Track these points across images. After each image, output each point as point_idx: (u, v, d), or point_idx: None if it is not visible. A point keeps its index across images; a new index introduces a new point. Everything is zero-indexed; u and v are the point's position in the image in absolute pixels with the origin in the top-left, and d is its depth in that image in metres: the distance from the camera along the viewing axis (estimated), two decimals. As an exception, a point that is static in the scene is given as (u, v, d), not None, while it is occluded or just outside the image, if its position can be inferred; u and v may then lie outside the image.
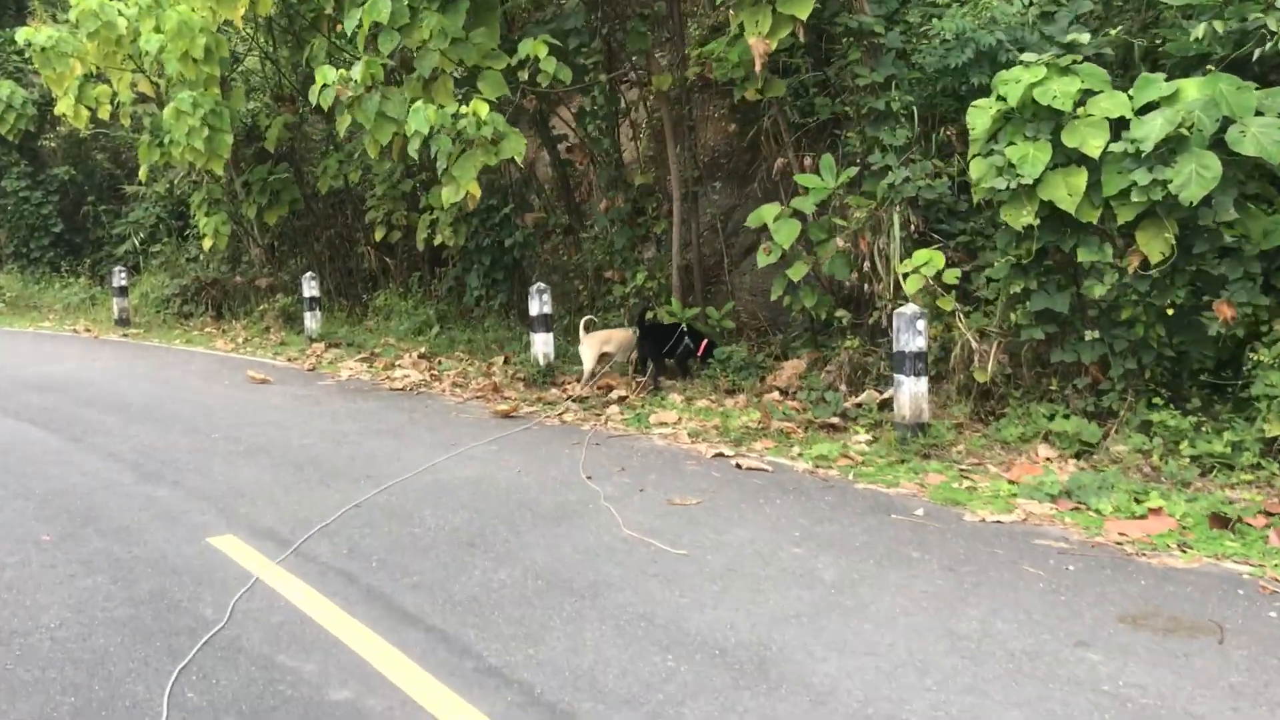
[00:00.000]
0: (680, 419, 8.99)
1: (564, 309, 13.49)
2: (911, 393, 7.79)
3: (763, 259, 9.81)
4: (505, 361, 12.31)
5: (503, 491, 6.77)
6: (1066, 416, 7.80)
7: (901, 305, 8.47)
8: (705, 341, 10.72)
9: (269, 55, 16.30)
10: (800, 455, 7.72)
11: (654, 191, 12.50)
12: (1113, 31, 8.87)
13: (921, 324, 7.76)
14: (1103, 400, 7.77)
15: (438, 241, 13.73)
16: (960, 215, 9.49)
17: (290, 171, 16.71)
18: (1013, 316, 8.02)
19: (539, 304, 11.07)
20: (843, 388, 9.46)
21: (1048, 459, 7.56)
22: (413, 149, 9.41)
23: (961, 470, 7.31)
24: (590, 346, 10.53)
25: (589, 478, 7.04)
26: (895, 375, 7.86)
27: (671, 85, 11.21)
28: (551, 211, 14.16)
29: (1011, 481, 6.84)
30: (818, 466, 7.39)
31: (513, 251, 14.07)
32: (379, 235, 15.35)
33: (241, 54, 16.88)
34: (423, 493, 6.78)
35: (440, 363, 12.38)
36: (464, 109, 9.30)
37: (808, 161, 10.25)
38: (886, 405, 8.77)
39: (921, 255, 8.39)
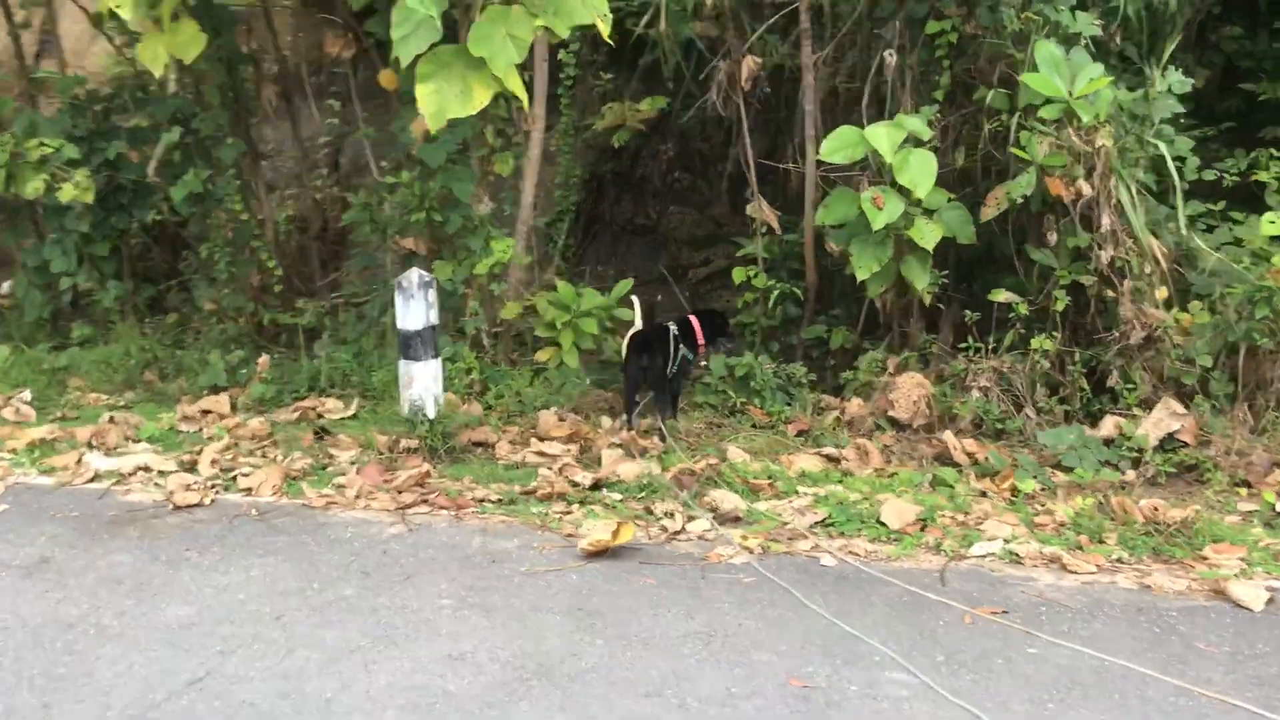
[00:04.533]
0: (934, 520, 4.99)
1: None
2: None
3: (875, 217, 5.98)
4: (238, 408, 6.91)
5: None
6: None
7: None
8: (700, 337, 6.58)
9: None
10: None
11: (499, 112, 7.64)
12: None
13: None
14: None
15: (67, 196, 7.37)
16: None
17: None
18: None
19: (422, 306, 5.99)
20: (1031, 414, 6.10)
21: None
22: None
23: None
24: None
25: None
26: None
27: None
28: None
29: None
30: None
31: (133, 208, 8.19)
32: None
33: None
34: None
35: (120, 424, 6.51)
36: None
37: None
38: (1172, 441, 5.66)
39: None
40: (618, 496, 5.33)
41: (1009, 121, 6.22)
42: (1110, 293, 6.01)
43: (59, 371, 7.74)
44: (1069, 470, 5.58)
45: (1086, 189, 5.66)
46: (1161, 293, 5.89)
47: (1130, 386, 5.94)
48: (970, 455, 5.78)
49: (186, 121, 8.26)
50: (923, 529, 4.86)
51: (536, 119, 7.35)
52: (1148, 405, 5.92)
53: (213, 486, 5.48)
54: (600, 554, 4.56)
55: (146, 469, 5.73)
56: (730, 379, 6.67)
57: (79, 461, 5.88)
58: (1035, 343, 6.06)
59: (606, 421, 6.42)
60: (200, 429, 6.58)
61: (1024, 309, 6.13)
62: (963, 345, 6.38)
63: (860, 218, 6.25)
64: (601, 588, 4.23)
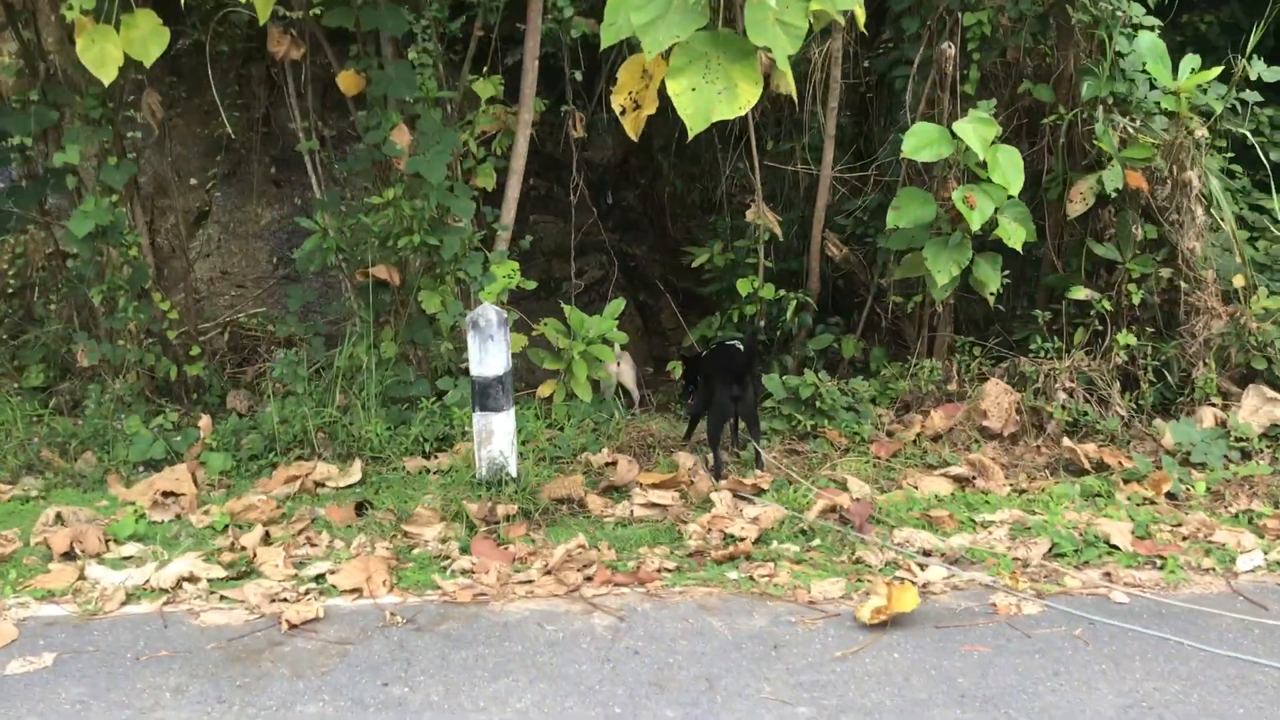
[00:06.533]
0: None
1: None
2: None
3: (972, 216, 5.65)
4: (199, 484, 5.67)
5: None
6: None
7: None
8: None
9: None
10: None
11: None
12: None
13: None
14: None
15: None
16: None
17: None
18: None
19: (502, 348, 5.04)
20: (1121, 412, 5.97)
21: None
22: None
23: None
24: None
25: None
26: None
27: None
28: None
29: None
30: None
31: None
32: None
33: None
34: None
35: (71, 521, 5.07)
36: None
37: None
38: (1275, 429, 5.70)
39: None
40: (794, 547, 4.66)
41: (1067, 115, 6.07)
42: (1184, 284, 5.97)
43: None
44: (1198, 466, 5.47)
45: (1195, 180, 5.56)
46: (1238, 280, 5.91)
47: (1210, 377, 5.92)
48: (1089, 459, 5.55)
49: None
50: (1154, 549, 4.55)
51: (523, 123, 6.48)
52: (1223, 396, 5.95)
53: (306, 592, 4.33)
54: (881, 624, 3.92)
55: (192, 579, 4.46)
56: (793, 400, 6.13)
57: (81, 578, 4.51)
58: (1120, 338, 5.93)
59: (684, 459, 5.69)
60: (178, 516, 5.28)
61: (1106, 304, 5.98)
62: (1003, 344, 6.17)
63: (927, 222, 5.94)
64: (946, 666, 3.60)
